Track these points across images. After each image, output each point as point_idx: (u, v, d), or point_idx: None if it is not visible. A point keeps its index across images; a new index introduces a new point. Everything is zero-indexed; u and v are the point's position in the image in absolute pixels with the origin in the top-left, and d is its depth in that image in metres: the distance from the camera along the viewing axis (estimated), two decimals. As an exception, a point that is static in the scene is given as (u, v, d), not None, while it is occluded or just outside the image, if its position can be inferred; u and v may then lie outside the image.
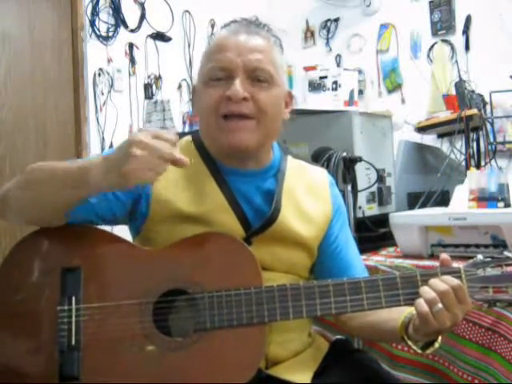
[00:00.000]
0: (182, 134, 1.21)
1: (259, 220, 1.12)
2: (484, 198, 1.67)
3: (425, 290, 0.97)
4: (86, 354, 1.02)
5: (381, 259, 1.73)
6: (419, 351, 1.03)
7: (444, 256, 1.03)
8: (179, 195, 1.11)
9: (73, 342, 1.02)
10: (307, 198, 1.20)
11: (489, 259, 1.02)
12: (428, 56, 3.59)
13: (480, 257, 1.03)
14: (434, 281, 0.98)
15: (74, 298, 1.05)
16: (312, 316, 1.06)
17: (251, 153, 1.12)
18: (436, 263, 1.08)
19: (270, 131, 1.13)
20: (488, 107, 2.68)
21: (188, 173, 1.13)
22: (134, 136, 0.92)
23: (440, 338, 1.02)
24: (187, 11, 3.81)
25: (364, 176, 1.95)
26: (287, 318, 1.01)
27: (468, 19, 3.39)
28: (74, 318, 1.04)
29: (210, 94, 1.09)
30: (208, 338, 1.01)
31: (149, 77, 3.63)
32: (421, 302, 0.96)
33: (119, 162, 0.92)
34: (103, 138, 3.37)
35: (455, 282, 0.97)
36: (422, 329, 0.98)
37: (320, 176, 1.27)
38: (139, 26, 3.58)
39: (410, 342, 1.03)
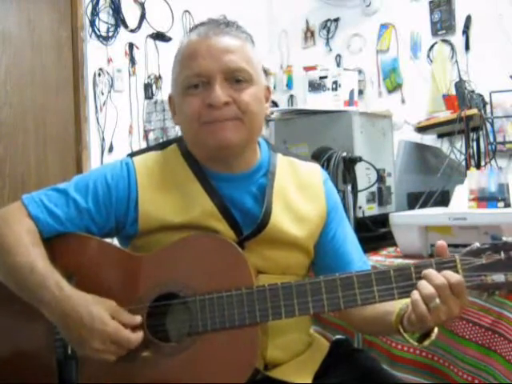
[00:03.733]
0: (166, 143, 1.20)
1: (250, 224, 1.10)
2: (484, 198, 1.67)
3: (423, 286, 0.94)
4: (83, 362, 1.02)
5: (381, 259, 1.73)
6: (415, 344, 1.01)
7: (440, 243, 0.99)
8: (166, 206, 1.10)
9: (69, 352, 1.03)
10: (300, 197, 1.17)
11: (486, 245, 0.97)
12: (428, 56, 3.59)
13: (477, 244, 0.98)
14: (430, 272, 0.95)
15: None
16: (305, 314, 1.03)
17: (237, 151, 1.10)
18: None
19: (255, 128, 1.11)
20: (488, 107, 2.68)
21: (175, 181, 1.12)
22: (94, 334, 0.97)
23: (436, 329, 1.00)
24: (187, 11, 3.82)
25: (364, 176, 1.95)
26: (279, 318, 1.00)
27: (468, 19, 3.39)
28: None
29: (191, 103, 1.07)
30: (202, 341, 1.01)
31: (149, 77, 3.63)
32: (417, 298, 0.94)
33: (72, 338, 0.99)
34: (103, 138, 3.37)
35: (455, 277, 0.94)
36: (417, 323, 0.96)
37: (313, 173, 1.23)
38: (139, 26, 3.59)
39: (405, 335, 1.01)
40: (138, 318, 1.01)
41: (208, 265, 1.04)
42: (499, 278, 0.95)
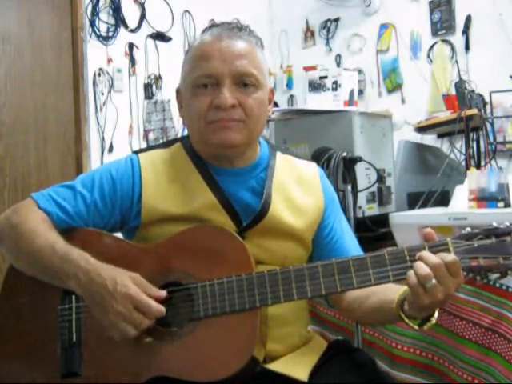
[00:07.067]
0: (171, 141, 1.26)
1: (250, 216, 1.14)
2: (484, 198, 1.67)
3: (418, 266, 0.95)
4: (87, 349, 1.06)
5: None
6: (416, 327, 1.03)
7: (427, 230, 1.01)
8: (169, 198, 1.14)
9: (74, 339, 1.06)
10: (298, 190, 1.21)
11: (477, 230, 0.98)
12: (428, 56, 3.58)
13: (468, 229, 1.00)
14: (426, 253, 0.96)
15: (73, 297, 1.08)
16: (303, 298, 1.06)
17: (238, 150, 1.15)
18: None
19: (257, 130, 1.16)
20: (488, 107, 2.67)
21: (178, 175, 1.17)
22: (117, 296, 0.99)
23: (436, 313, 1.01)
24: (187, 11, 3.82)
25: (364, 176, 1.95)
26: (278, 301, 1.02)
27: (468, 19, 3.39)
28: (74, 316, 1.07)
29: (199, 102, 1.11)
30: (203, 327, 1.03)
31: (149, 77, 3.63)
32: (411, 274, 0.95)
33: (96, 305, 1.01)
34: (103, 138, 3.37)
35: (450, 257, 0.95)
36: (415, 303, 0.97)
37: (310, 169, 1.28)
38: (139, 26, 3.59)
39: (406, 319, 1.03)
40: (161, 292, 1.03)
41: (209, 254, 1.06)
42: (491, 260, 0.96)
